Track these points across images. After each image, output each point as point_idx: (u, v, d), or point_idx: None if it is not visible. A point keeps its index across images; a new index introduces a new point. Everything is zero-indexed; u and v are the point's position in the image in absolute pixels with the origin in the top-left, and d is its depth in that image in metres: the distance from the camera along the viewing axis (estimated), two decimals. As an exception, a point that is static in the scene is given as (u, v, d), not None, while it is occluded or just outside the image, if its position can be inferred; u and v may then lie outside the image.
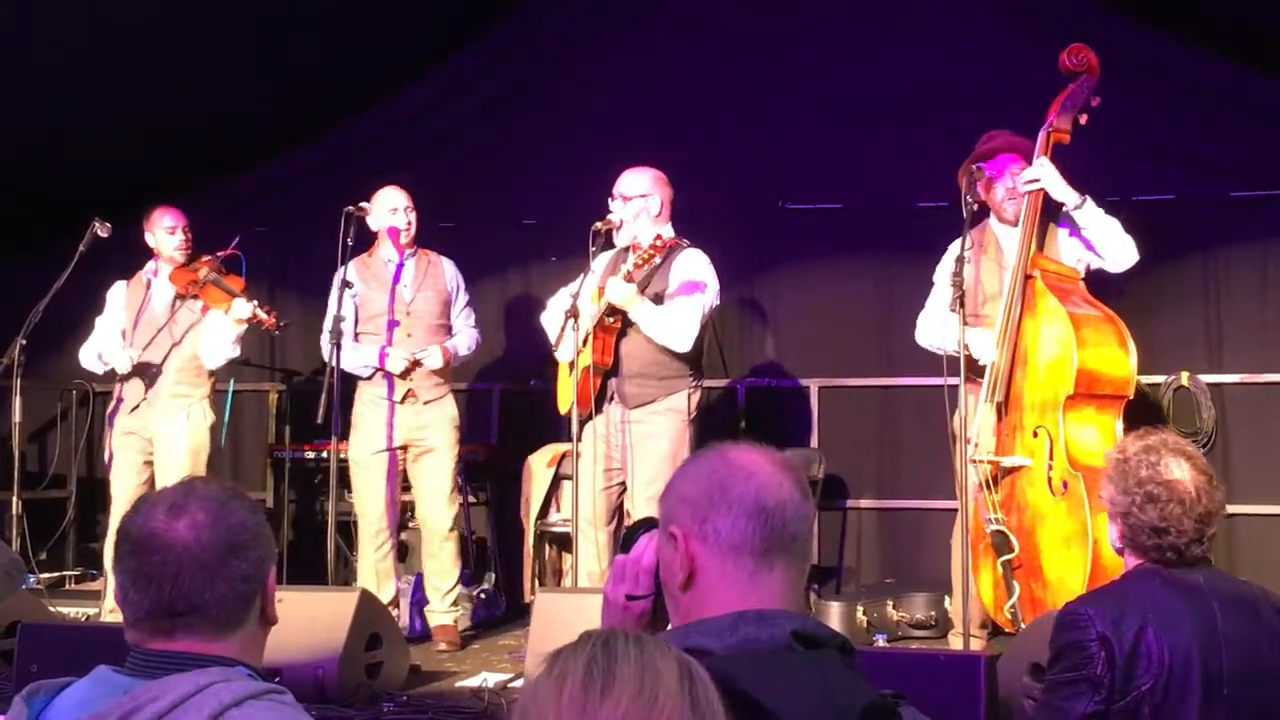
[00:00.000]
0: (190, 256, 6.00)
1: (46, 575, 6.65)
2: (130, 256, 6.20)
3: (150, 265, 6.07)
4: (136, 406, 5.86)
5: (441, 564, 5.73)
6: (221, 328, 5.87)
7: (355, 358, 5.66)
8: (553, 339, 5.48)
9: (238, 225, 7.11)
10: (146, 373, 5.87)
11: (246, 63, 6.87)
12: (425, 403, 5.70)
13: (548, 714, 1.29)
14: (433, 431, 5.70)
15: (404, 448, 5.72)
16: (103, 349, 5.93)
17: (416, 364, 5.66)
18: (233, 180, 7.71)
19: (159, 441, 5.88)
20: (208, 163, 7.49)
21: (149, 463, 5.90)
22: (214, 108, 7.05)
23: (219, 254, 5.94)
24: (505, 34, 7.48)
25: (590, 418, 5.26)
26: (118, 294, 6.07)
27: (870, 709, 1.60)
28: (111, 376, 6.00)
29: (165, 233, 5.97)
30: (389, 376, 5.67)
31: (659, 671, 1.30)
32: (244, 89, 7.01)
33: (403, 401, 5.67)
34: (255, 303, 5.80)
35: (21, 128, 6.61)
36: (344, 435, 5.62)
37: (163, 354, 5.87)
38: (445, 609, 5.74)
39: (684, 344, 5.27)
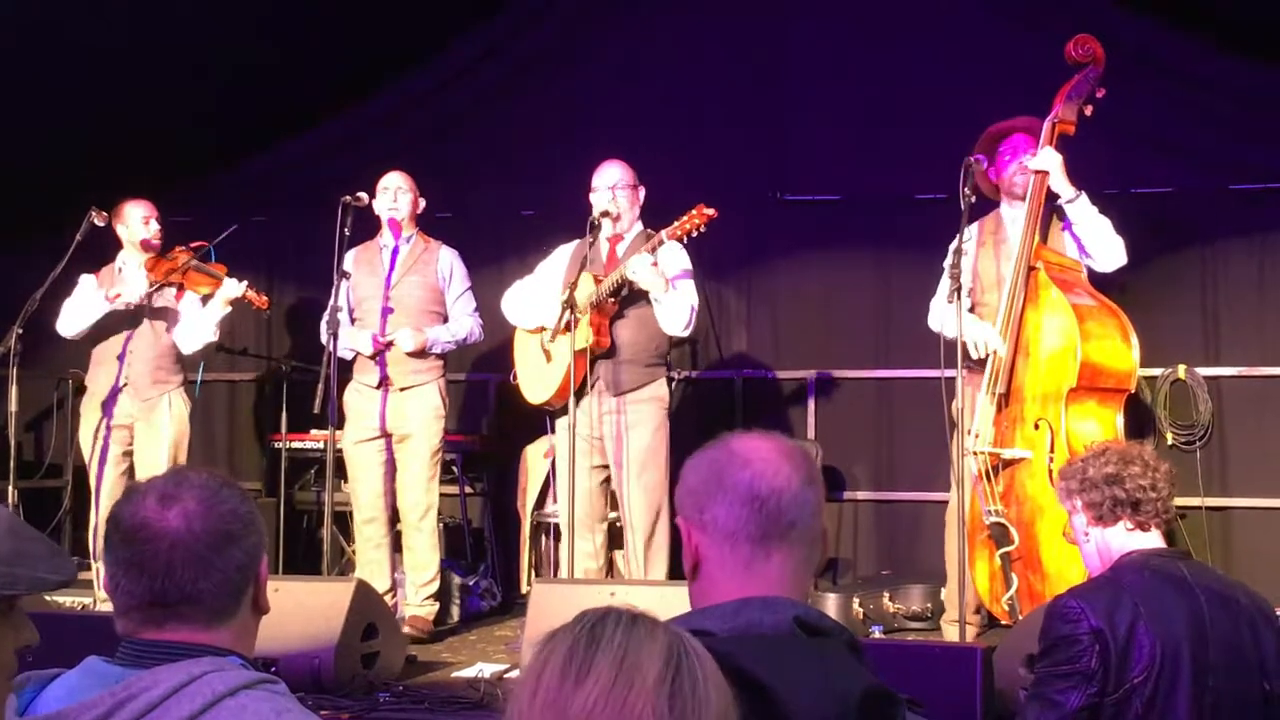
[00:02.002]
0: (162, 248, 6.06)
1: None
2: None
3: (120, 258, 6.09)
4: (117, 394, 5.86)
5: (417, 556, 5.69)
6: (200, 311, 5.93)
7: (344, 341, 5.61)
8: (522, 321, 5.50)
9: (234, 216, 7.10)
10: (124, 363, 5.87)
11: (245, 57, 6.84)
12: (401, 389, 5.65)
13: (525, 695, 1.29)
14: (411, 420, 5.65)
15: (387, 436, 5.70)
16: (100, 302, 5.85)
17: (389, 345, 5.63)
18: (229, 171, 7.69)
19: (141, 431, 5.90)
20: (205, 153, 7.48)
21: (127, 453, 5.92)
22: (210, 101, 7.04)
23: (191, 245, 6.00)
24: (505, 24, 7.45)
25: (566, 411, 5.26)
26: (88, 286, 6.05)
27: (870, 694, 1.61)
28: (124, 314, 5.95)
29: (140, 223, 6.00)
30: (378, 364, 5.65)
31: (639, 661, 1.27)
32: (241, 80, 6.99)
33: (379, 387, 5.66)
34: (246, 283, 5.90)
35: (16, 116, 6.59)
36: (340, 424, 5.62)
37: (141, 344, 5.89)
38: (419, 601, 5.67)
39: (689, 328, 5.32)
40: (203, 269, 5.96)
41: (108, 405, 5.87)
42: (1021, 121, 5.20)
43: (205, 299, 5.98)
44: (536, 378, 5.50)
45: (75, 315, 5.95)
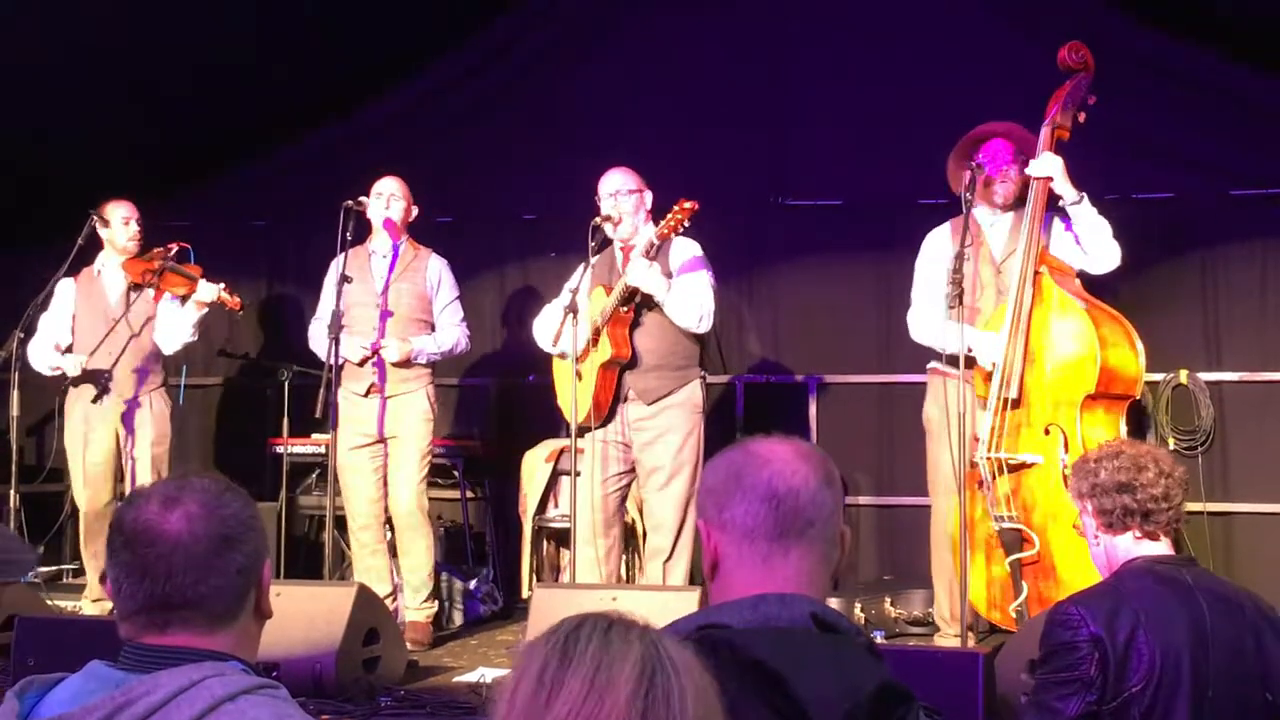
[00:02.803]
0: (141, 250, 6.10)
1: (44, 569, 6.64)
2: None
3: (99, 259, 6.13)
4: (97, 398, 5.91)
5: (411, 558, 5.70)
6: (178, 313, 5.99)
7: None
8: (548, 343, 5.45)
9: (235, 220, 7.10)
10: (104, 365, 5.92)
11: (245, 58, 6.84)
12: (389, 397, 5.66)
13: (500, 710, 1.30)
14: (401, 423, 5.67)
15: (382, 442, 5.70)
16: (52, 357, 5.97)
17: (376, 352, 5.63)
18: (229, 174, 7.68)
19: (123, 432, 5.96)
20: (203, 159, 7.48)
21: (112, 454, 5.97)
22: (211, 102, 7.03)
23: (169, 245, 6.03)
24: (505, 29, 7.45)
25: (603, 424, 5.24)
26: (66, 291, 6.10)
27: (883, 689, 1.62)
28: (60, 377, 6.06)
29: (120, 223, 6.05)
30: (371, 370, 5.65)
31: (611, 677, 1.28)
32: (241, 82, 6.99)
33: (367, 395, 5.65)
34: (221, 285, 5.95)
35: (16, 116, 6.58)
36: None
37: (120, 345, 5.93)
38: (417, 605, 5.69)
39: (707, 322, 5.28)
40: (178, 270, 6.01)
41: (93, 408, 5.91)
42: (1000, 127, 5.19)
43: (183, 299, 6.03)
44: (574, 391, 5.48)
45: (38, 355, 6.01)
